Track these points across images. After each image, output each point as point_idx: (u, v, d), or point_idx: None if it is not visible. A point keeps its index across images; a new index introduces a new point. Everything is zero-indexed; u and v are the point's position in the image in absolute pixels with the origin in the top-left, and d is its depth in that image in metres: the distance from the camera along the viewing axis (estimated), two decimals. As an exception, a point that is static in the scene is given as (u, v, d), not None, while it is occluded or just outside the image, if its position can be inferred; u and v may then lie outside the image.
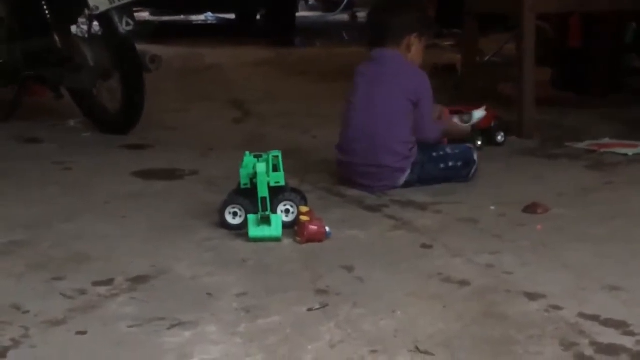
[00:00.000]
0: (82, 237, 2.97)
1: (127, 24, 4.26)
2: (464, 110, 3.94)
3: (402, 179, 3.48)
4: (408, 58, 3.56)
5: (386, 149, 3.44)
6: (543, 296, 2.37)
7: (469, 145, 3.66)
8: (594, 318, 2.22)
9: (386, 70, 3.52)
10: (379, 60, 3.57)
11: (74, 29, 4.66)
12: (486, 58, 6.67)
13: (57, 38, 4.65)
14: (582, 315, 2.24)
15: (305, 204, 3.01)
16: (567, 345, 2.08)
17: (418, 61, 3.59)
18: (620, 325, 2.18)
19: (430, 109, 3.55)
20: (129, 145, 4.39)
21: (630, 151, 3.99)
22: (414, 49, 3.56)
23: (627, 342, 2.09)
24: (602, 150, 4.05)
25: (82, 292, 2.48)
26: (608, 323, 2.19)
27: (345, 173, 3.55)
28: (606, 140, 4.22)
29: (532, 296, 2.38)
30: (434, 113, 3.63)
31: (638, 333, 2.13)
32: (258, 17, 10.81)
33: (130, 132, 4.56)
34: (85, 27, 4.58)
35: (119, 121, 4.60)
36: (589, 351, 2.05)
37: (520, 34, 4.47)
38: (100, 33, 4.47)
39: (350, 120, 3.53)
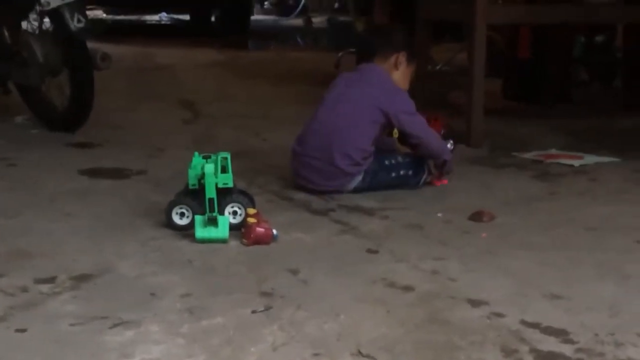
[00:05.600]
0: (25, 234, 2.94)
1: (79, 21, 4.22)
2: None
3: (350, 185, 3.49)
4: (394, 77, 3.59)
5: (340, 150, 3.44)
6: (486, 303, 2.39)
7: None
8: (535, 325, 2.25)
9: (365, 77, 3.57)
10: (361, 70, 3.63)
11: (24, 24, 4.61)
12: (438, 67, 6.72)
13: (6, 33, 4.59)
14: (523, 322, 2.27)
15: (253, 206, 3.01)
16: (508, 352, 2.10)
17: (403, 84, 3.62)
18: (560, 333, 2.20)
19: (419, 121, 3.55)
20: (77, 143, 4.35)
21: (576, 162, 4.05)
22: (401, 69, 3.61)
23: (567, 350, 2.12)
24: (549, 160, 4.10)
25: (24, 289, 2.45)
26: (548, 330, 2.22)
27: (296, 165, 3.55)
28: (553, 151, 4.28)
29: (475, 303, 2.40)
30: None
31: (577, 341, 2.16)
32: (212, 18, 10.78)
33: (78, 131, 4.51)
34: (36, 23, 4.53)
35: (67, 119, 4.55)
36: (528, 358, 2.08)
37: (471, 43, 4.50)
38: (51, 29, 4.43)
39: (316, 114, 3.57)
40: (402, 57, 3.61)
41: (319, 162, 3.46)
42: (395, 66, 3.61)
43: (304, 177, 3.50)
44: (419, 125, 3.54)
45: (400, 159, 3.59)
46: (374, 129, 3.51)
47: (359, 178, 3.49)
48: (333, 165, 3.45)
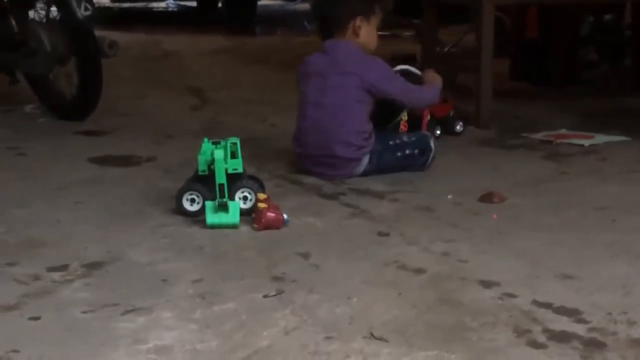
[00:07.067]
0: (36, 223, 2.94)
1: (86, 9, 4.21)
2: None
3: (359, 169, 3.48)
4: (359, 44, 3.50)
5: (339, 141, 3.43)
6: (497, 284, 2.39)
7: (425, 132, 3.69)
8: (547, 306, 2.24)
9: (337, 61, 3.48)
10: (329, 51, 3.53)
11: (31, 13, 4.61)
12: (446, 48, 6.69)
13: (13, 22, 4.60)
14: (535, 302, 2.26)
15: (263, 191, 3.01)
16: (520, 332, 2.10)
17: (371, 44, 3.54)
18: (572, 313, 2.20)
19: (399, 85, 3.51)
20: (85, 131, 4.36)
21: (586, 142, 4.03)
22: (363, 32, 3.50)
23: (579, 329, 2.11)
24: (559, 141, 4.09)
25: (36, 277, 2.46)
26: (561, 310, 2.22)
27: (301, 163, 3.55)
28: (562, 131, 4.26)
29: (486, 284, 2.39)
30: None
31: (590, 320, 2.16)
32: (219, 4, 10.77)
33: (87, 118, 4.51)
34: (43, 12, 4.53)
35: (76, 107, 4.55)
36: (541, 338, 2.07)
37: (478, 24, 4.49)
38: (58, 18, 4.43)
39: (303, 112, 3.53)
40: (358, 22, 3.49)
41: (323, 158, 3.45)
42: (355, 33, 3.50)
43: (315, 172, 3.49)
44: (400, 89, 3.50)
45: (405, 138, 3.57)
46: (364, 108, 3.48)
47: (366, 161, 3.48)
48: (336, 157, 3.44)
